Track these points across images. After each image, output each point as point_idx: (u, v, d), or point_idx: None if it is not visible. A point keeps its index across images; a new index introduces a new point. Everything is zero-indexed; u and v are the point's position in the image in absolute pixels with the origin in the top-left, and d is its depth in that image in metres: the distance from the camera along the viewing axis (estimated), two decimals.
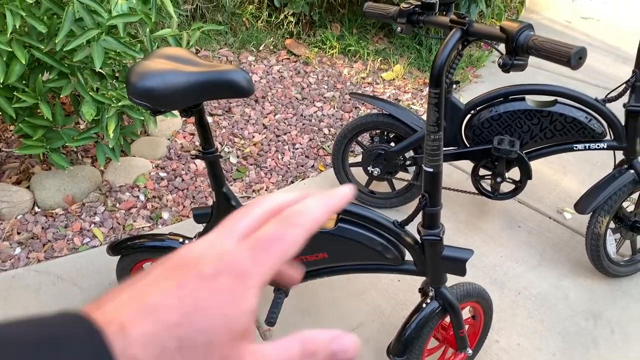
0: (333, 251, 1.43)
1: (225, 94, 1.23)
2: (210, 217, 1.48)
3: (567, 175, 2.61)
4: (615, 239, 1.99)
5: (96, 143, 2.03)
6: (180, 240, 1.56)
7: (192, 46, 2.19)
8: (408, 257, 1.43)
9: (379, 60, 3.51)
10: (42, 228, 2.07)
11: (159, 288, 0.27)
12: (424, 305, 1.44)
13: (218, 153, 1.37)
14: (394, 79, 3.34)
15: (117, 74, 2.07)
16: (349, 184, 0.29)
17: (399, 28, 1.27)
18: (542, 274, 2.05)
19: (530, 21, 4.47)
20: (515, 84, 1.97)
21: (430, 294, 1.44)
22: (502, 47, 1.09)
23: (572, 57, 0.95)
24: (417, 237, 1.38)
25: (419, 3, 1.24)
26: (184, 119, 2.75)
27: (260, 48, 3.53)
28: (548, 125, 1.91)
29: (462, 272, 1.38)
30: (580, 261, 2.10)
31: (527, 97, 1.94)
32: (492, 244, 2.18)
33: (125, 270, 1.65)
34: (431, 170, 1.27)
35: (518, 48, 1.03)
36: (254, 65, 3.34)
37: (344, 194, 0.34)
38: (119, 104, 1.84)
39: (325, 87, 3.21)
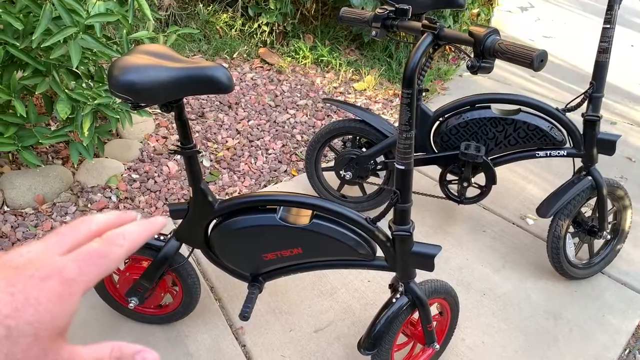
0: (307, 247, 1.48)
1: (205, 90, 1.27)
2: (187, 213, 1.50)
3: (530, 183, 2.72)
4: (574, 243, 2.08)
5: (69, 142, 2.03)
6: (156, 236, 1.58)
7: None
8: (379, 253, 1.48)
9: (350, 71, 3.59)
10: (12, 227, 2.05)
11: None
12: (394, 300, 1.48)
13: (196, 149, 1.40)
14: (365, 90, 3.42)
15: (92, 74, 2.08)
16: (163, 217, 0.34)
17: (373, 32, 1.33)
18: (506, 276, 2.13)
19: None
20: (478, 93, 2.07)
21: (400, 289, 1.49)
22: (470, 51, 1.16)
23: (535, 59, 1.02)
24: (389, 233, 1.43)
25: (393, 9, 1.30)
26: (157, 122, 2.76)
27: (234, 56, 3.57)
28: (512, 132, 2.01)
29: (430, 267, 1.43)
30: (542, 264, 2.19)
31: (493, 105, 2.03)
32: (458, 247, 2.25)
33: None
34: (403, 167, 1.32)
35: (485, 51, 1.11)
36: None
37: (159, 222, 0.41)
38: (95, 102, 1.85)
39: (298, 95, 3.27)
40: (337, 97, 3.32)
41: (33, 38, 1.74)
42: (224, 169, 2.55)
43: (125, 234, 0.37)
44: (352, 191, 2.37)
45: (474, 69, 1.13)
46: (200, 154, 2.61)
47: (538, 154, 2.03)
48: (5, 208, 2.13)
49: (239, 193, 2.42)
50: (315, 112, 3.11)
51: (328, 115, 3.09)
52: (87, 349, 0.34)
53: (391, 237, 1.42)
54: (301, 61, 3.63)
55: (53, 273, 0.32)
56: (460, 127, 2.04)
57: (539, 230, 2.39)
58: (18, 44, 1.81)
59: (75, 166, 2.32)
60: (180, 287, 1.67)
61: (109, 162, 2.39)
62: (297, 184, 2.50)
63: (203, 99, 3.04)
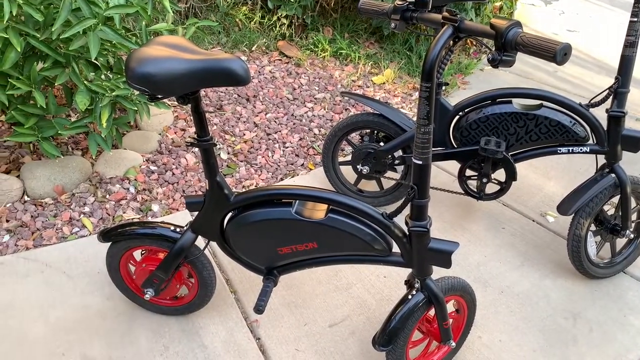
0: (323, 241, 1.47)
1: (222, 82, 1.26)
2: (203, 206, 1.50)
3: (551, 180, 2.67)
4: (595, 242, 2.04)
5: (88, 134, 2.04)
6: (172, 228, 1.58)
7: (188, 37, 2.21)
8: (395, 249, 1.47)
9: (369, 64, 3.56)
10: (31, 217, 2.08)
11: None
12: (410, 297, 1.47)
13: (212, 142, 1.39)
14: (384, 83, 3.39)
15: (111, 65, 2.09)
16: None
17: (392, 24, 1.31)
18: (525, 274, 2.10)
19: None
20: (499, 87, 2.03)
21: (416, 285, 1.47)
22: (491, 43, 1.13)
23: (558, 53, 0.99)
24: (405, 228, 1.41)
25: (413, 0, 1.28)
26: (175, 114, 2.77)
27: (253, 49, 3.57)
28: (533, 128, 1.97)
29: (447, 264, 1.41)
30: (562, 263, 2.15)
31: (514, 100, 1.99)
32: (476, 243, 2.22)
33: (115, 258, 1.66)
34: (420, 162, 1.30)
35: (507, 44, 1.08)
36: None
37: None
38: (113, 94, 1.86)
39: (317, 88, 3.25)
40: (355, 90, 3.29)
41: (53, 29, 1.75)
42: (241, 161, 2.55)
43: None
44: (369, 186, 2.35)
45: (494, 62, 1.10)
46: (218, 147, 2.61)
47: (560, 150, 1.99)
48: (26, 198, 2.16)
49: (255, 186, 2.42)
50: (333, 105, 3.09)
51: (346, 109, 3.07)
52: None
53: (407, 233, 1.40)
54: (320, 54, 3.61)
55: None
56: (480, 122, 2.01)
57: (560, 228, 2.34)
58: (38, 36, 1.83)
59: (94, 157, 2.34)
60: (196, 279, 1.67)
61: (127, 153, 2.41)
62: (314, 178, 2.49)
63: (221, 92, 3.05)
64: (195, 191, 2.32)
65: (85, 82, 1.87)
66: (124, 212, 2.17)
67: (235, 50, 3.52)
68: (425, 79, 1.21)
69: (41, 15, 1.76)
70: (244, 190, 2.37)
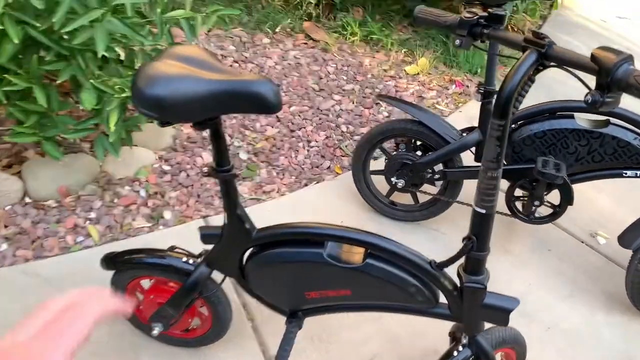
0: (357, 288, 1.26)
1: (247, 108, 1.04)
2: (220, 238, 1.30)
3: (601, 193, 2.42)
4: None
5: (95, 134, 1.84)
6: (184, 259, 1.38)
7: (208, 29, 1.98)
8: (442, 298, 1.26)
9: (402, 52, 3.28)
10: (32, 222, 1.89)
11: None
12: (455, 352, 1.27)
13: (234, 171, 1.18)
14: (418, 74, 3.13)
15: (122, 58, 1.87)
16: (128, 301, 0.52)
17: (457, 41, 1.06)
18: (574, 306, 1.88)
19: (565, 18, 4.23)
20: (561, 99, 1.78)
21: (463, 341, 1.27)
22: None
23: None
24: (456, 280, 1.20)
25: (485, 14, 1.03)
26: None
27: (277, 30, 3.30)
28: (597, 147, 1.72)
29: (504, 322, 1.21)
30: (615, 294, 1.93)
31: (577, 114, 1.74)
32: (520, 268, 2.00)
33: (120, 286, 1.48)
34: (484, 211, 1.09)
35: (614, 84, 0.84)
36: (269, 49, 3.12)
37: (125, 306, 0.51)
38: (123, 95, 1.64)
39: (345, 78, 3.00)
40: (387, 81, 3.03)
41: (54, 20, 1.53)
42: (262, 162, 2.33)
43: (87, 308, 0.46)
44: (404, 198, 2.12)
45: (596, 105, 0.86)
46: (238, 146, 2.39)
47: (625, 173, 1.75)
48: (27, 200, 1.98)
49: (277, 192, 2.21)
50: (363, 98, 2.84)
51: (377, 103, 2.83)
52: None
53: (459, 286, 1.19)
54: (349, 38, 3.34)
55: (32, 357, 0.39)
56: (536, 138, 1.76)
57: (612, 251, 2.11)
58: (38, 25, 1.60)
59: (102, 161, 2.14)
60: (210, 313, 1.48)
61: (138, 150, 2.21)
62: (341, 185, 2.27)
63: None
64: (211, 196, 2.12)
65: (91, 79, 1.66)
66: (133, 219, 1.98)
67: (258, 31, 3.26)
68: (498, 116, 0.98)
69: (41, 1, 1.54)
70: (264, 197, 2.16)
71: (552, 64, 0.96)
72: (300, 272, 1.27)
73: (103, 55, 1.65)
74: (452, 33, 1.08)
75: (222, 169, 1.16)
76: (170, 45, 1.66)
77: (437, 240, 2.06)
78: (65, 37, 1.68)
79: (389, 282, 1.22)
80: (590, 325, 1.83)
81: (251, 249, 1.30)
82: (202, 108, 1.02)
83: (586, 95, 0.87)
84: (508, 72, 0.96)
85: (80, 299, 0.47)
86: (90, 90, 1.70)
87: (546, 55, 0.95)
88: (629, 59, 0.84)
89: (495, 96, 1.81)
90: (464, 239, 1.15)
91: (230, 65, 2.90)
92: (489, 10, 1.02)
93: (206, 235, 1.32)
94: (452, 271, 1.20)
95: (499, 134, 0.99)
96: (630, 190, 2.43)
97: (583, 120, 1.73)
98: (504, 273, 1.97)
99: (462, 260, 1.17)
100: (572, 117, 1.74)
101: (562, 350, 1.73)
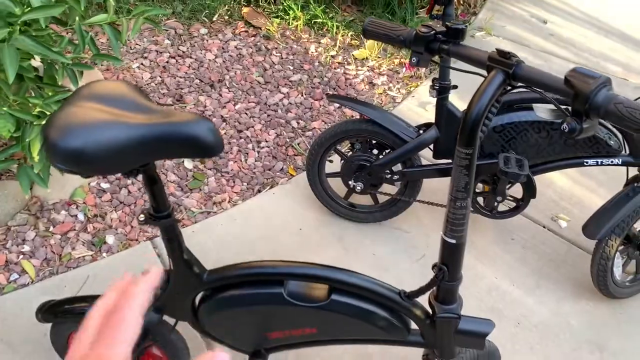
0: (324, 327, 1.17)
1: (184, 152, 0.91)
2: (167, 285, 1.16)
3: (559, 173, 2.40)
4: (621, 261, 1.81)
5: (18, 164, 1.64)
6: None
7: (135, 33, 1.79)
8: (413, 326, 1.18)
9: (349, 35, 3.15)
10: None
11: None
12: None
13: (174, 216, 1.04)
14: (366, 58, 3.01)
15: (40, 74, 1.67)
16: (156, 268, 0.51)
17: (414, 59, 0.95)
18: (541, 298, 1.86)
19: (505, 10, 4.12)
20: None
21: None
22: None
23: None
24: (428, 308, 1.13)
25: (443, 29, 0.92)
26: None
27: (214, 18, 3.10)
28: (558, 139, 1.66)
29: (480, 346, 1.15)
30: (580, 280, 1.92)
31: (536, 106, 1.67)
32: (485, 262, 1.96)
33: (61, 338, 1.33)
34: (454, 241, 1.00)
35: (592, 111, 0.75)
36: (207, 40, 2.92)
37: (155, 272, 0.52)
38: (44, 122, 1.46)
39: (291, 67, 2.85)
40: (335, 69, 2.90)
41: None
42: (210, 169, 2.18)
43: (134, 296, 0.48)
44: (363, 199, 2.03)
45: (573, 134, 0.78)
46: None
47: (587, 162, 1.71)
48: None
49: (228, 201, 2.07)
50: (312, 89, 2.71)
51: (326, 93, 2.70)
52: None
53: (431, 314, 1.11)
54: (292, 23, 3.17)
55: None
56: (495, 132, 1.69)
57: (574, 234, 2.09)
58: None
59: (27, 195, 1.94)
60: (166, 357, 1.36)
61: None
62: (297, 188, 2.15)
63: (180, 77, 2.62)
64: None
65: (4, 108, 1.46)
66: (72, 249, 1.81)
67: (194, 21, 3.05)
68: (464, 143, 0.88)
69: None
70: (215, 208, 2.02)
71: (520, 85, 0.87)
72: (259, 313, 1.16)
73: (18, 74, 1.45)
74: (406, 48, 0.97)
75: (161, 215, 1.03)
76: (88, 73, 1.48)
77: (400, 240, 1.99)
78: None
79: (357, 318, 1.13)
80: (559, 317, 1.81)
81: (202, 292, 1.18)
82: (129, 158, 0.88)
83: (562, 123, 0.78)
84: (473, 96, 0.87)
85: (118, 296, 0.49)
86: (6, 116, 1.50)
87: (514, 75, 0.85)
88: (607, 82, 0.75)
89: (450, 92, 1.74)
90: (433, 267, 1.07)
91: (167, 62, 2.70)
92: (447, 24, 0.91)
93: None
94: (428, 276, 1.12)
95: (467, 162, 0.90)
96: (585, 169, 2.41)
97: (542, 111, 1.66)
98: (469, 269, 1.92)
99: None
100: (531, 108, 1.67)
101: (534, 347, 1.71)
